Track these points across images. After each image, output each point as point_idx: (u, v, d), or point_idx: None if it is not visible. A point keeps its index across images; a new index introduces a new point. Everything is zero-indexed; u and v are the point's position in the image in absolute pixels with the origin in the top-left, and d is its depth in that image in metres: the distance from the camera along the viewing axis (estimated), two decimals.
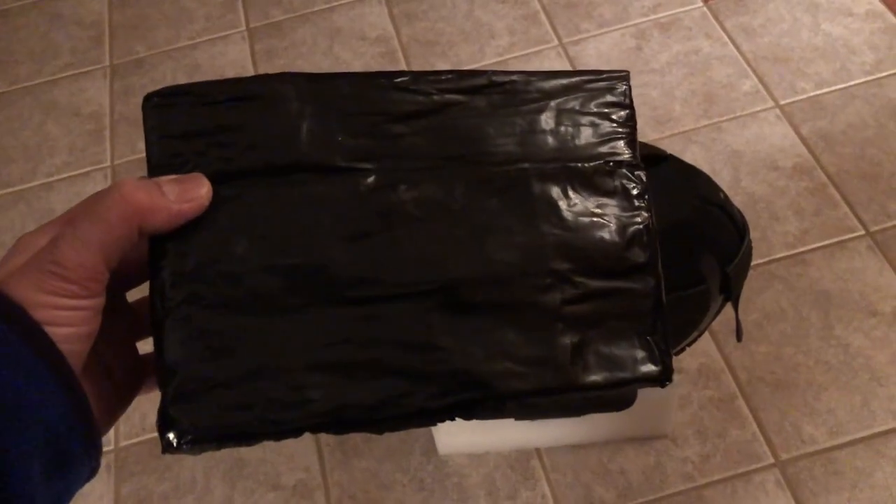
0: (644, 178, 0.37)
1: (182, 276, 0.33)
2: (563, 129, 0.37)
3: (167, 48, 1.47)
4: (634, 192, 0.36)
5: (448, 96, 0.36)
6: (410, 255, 0.34)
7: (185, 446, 0.32)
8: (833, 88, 1.25)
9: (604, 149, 0.37)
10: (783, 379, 1.00)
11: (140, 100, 0.36)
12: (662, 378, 0.34)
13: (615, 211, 0.36)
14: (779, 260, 1.09)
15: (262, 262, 0.34)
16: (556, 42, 1.38)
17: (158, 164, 0.35)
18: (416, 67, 1.37)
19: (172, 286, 0.33)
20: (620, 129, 0.37)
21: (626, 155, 0.37)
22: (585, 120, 0.37)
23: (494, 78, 0.38)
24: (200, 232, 0.33)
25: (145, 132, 0.35)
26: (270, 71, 1.41)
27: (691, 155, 1.20)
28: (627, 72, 0.39)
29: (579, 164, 0.36)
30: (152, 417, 1.02)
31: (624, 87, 0.39)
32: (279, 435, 0.32)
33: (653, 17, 1.38)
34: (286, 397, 0.32)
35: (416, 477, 0.98)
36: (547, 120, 0.37)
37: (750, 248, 0.74)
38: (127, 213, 0.30)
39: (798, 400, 0.98)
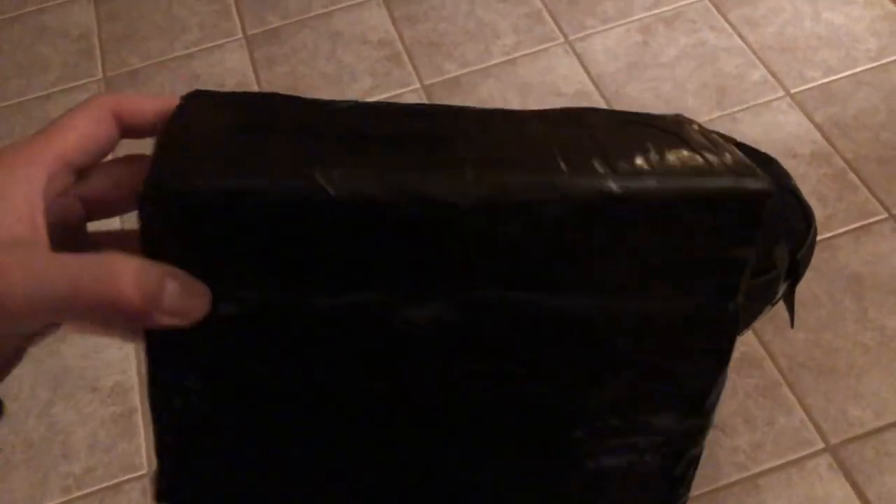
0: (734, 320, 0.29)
1: (177, 382, 0.29)
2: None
3: (162, 59, 1.43)
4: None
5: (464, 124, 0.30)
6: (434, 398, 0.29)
7: None
8: (841, 75, 1.27)
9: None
10: (824, 364, 1.00)
11: None
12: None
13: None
14: None
15: (258, 384, 0.29)
16: (562, 39, 1.37)
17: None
18: (422, 69, 1.36)
19: (168, 393, 0.29)
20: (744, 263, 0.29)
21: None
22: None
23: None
24: (197, 341, 0.28)
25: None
26: (271, 77, 1.38)
27: None
28: (771, 191, 0.28)
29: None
30: None
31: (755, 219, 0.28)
32: None
33: (656, 11, 1.38)
34: (280, 495, 0.30)
35: None
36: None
37: (816, 234, 0.74)
38: (108, 311, 0.24)
39: (841, 384, 0.99)
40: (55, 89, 1.40)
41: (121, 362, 1.10)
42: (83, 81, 1.41)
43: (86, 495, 1.00)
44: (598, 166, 0.26)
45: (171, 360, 0.28)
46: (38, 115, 1.37)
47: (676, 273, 0.28)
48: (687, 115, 1.26)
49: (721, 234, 0.27)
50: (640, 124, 0.30)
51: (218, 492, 0.30)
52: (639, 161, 0.27)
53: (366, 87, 1.35)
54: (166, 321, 0.26)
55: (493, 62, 1.36)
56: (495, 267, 0.26)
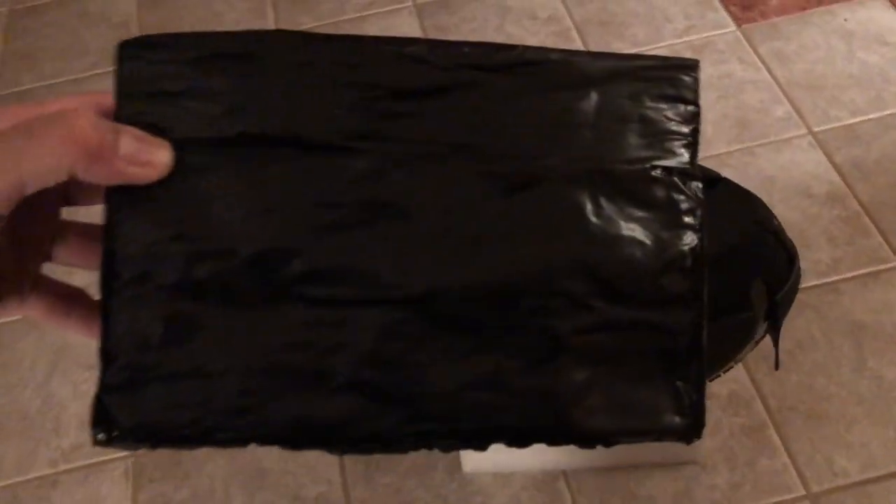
0: (699, 192, 0.30)
1: (134, 250, 0.29)
2: (604, 122, 0.30)
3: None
4: (683, 206, 0.30)
5: (466, 72, 0.30)
6: (393, 256, 0.29)
7: (116, 441, 0.29)
8: (868, 117, 1.24)
9: (653, 151, 0.30)
10: (815, 409, 0.98)
11: None
12: (690, 433, 0.29)
13: (655, 227, 0.30)
14: (811, 288, 1.07)
15: (223, 245, 0.29)
16: None
17: (124, 122, 0.30)
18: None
19: (123, 261, 0.30)
20: (677, 129, 0.31)
21: (679, 159, 0.30)
22: (635, 114, 0.31)
23: (527, 55, 0.31)
24: (160, 202, 0.29)
25: (115, 83, 0.31)
26: None
27: None
28: (697, 61, 0.33)
29: (618, 167, 0.30)
30: None
31: (690, 78, 0.32)
32: (222, 443, 0.29)
33: (686, 39, 1.37)
34: (234, 402, 0.29)
35: (439, 495, 0.96)
36: (585, 110, 0.30)
37: (798, 276, 0.72)
38: (65, 150, 0.26)
39: (830, 431, 0.96)
40: (89, 73, 1.44)
41: None
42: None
43: (70, 469, 1.03)
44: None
45: (137, 240, 0.29)
46: None
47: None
48: (704, 145, 1.25)
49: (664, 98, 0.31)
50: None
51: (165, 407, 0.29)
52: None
53: (365, 2, 1.37)
54: (132, 171, 0.28)
55: None
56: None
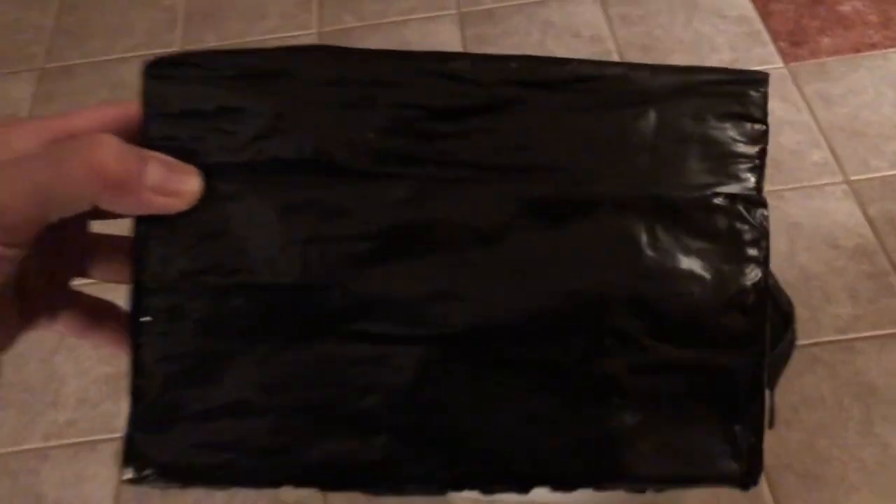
0: (765, 222, 0.28)
1: (164, 282, 0.28)
2: (662, 143, 0.28)
3: (240, 40, 1.47)
4: (747, 237, 0.28)
5: (513, 89, 0.28)
6: (434, 289, 0.28)
7: (146, 481, 0.28)
8: None
9: (715, 176, 0.28)
10: (813, 471, 0.95)
11: None
12: (747, 480, 0.28)
13: (716, 260, 0.27)
14: (825, 343, 1.04)
15: (257, 278, 0.28)
16: None
17: (152, 146, 0.29)
18: None
19: (152, 293, 0.28)
20: (743, 151, 0.28)
21: (743, 185, 0.28)
22: (697, 134, 0.28)
23: (581, 70, 0.28)
24: (190, 232, 0.28)
25: (142, 106, 0.29)
26: None
27: None
28: (767, 74, 0.30)
29: (676, 194, 0.28)
30: None
31: (759, 94, 0.30)
32: (255, 485, 0.28)
33: None
34: (266, 442, 0.28)
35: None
36: (643, 130, 0.28)
37: (793, 339, 0.70)
38: (89, 182, 0.25)
39: (826, 496, 0.93)
40: (133, 54, 1.46)
41: None
42: (159, 51, 1.46)
43: (63, 445, 1.04)
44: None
45: (161, 274, 0.28)
46: (113, 77, 1.44)
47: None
48: None
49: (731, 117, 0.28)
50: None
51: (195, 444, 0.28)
52: None
53: (410, 6, 1.37)
54: (159, 202, 0.27)
55: None
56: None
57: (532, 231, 0.28)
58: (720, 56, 1.36)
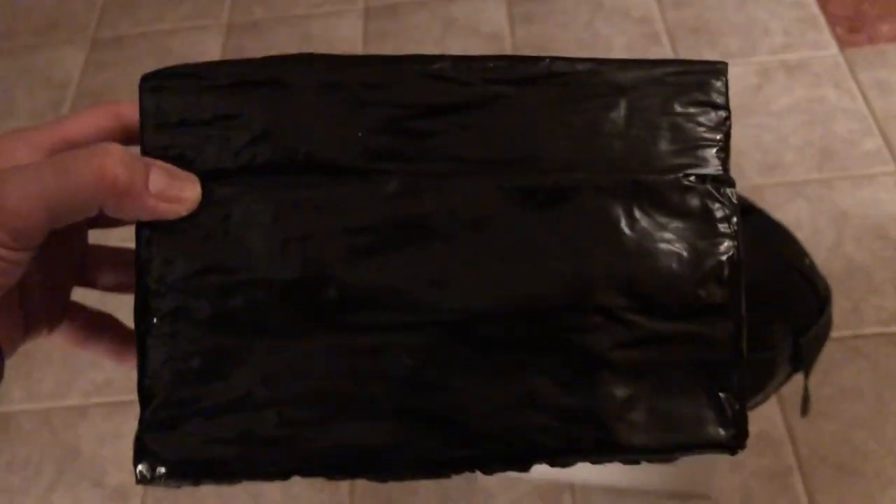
0: (734, 198, 0.29)
1: (168, 285, 0.29)
2: (634, 131, 0.30)
3: (284, 14, 1.48)
4: (719, 213, 0.29)
5: (494, 87, 0.30)
6: (428, 278, 0.29)
7: (159, 479, 0.29)
8: None
9: (685, 158, 0.30)
10: (848, 463, 0.92)
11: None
12: (733, 444, 0.29)
13: (691, 236, 0.29)
14: (868, 336, 1.01)
15: (257, 276, 0.29)
16: None
17: (151, 155, 0.30)
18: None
19: (157, 295, 0.29)
20: (709, 135, 0.30)
21: (712, 167, 0.30)
22: (665, 121, 0.30)
23: (554, 67, 0.30)
24: (191, 235, 0.29)
25: (140, 117, 0.30)
26: (380, 51, 1.41)
27: (795, 209, 1.12)
28: (725, 64, 0.31)
29: (650, 177, 0.29)
30: None
31: (720, 82, 0.31)
32: (266, 476, 0.29)
33: (781, 56, 1.30)
34: (275, 433, 0.29)
35: (441, 485, 0.95)
36: (615, 120, 0.30)
37: (829, 322, 0.68)
38: (96, 188, 0.26)
39: (861, 490, 0.91)
40: (182, 25, 1.48)
41: None
42: (208, 22, 1.48)
43: (100, 403, 1.07)
44: None
45: (168, 277, 0.29)
46: (160, 49, 1.46)
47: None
48: (780, 170, 1.19)
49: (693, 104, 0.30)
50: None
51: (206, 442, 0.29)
52: None
53: None
54: (162, 207, 0.28)
55: None
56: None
57: (517, 218, 0.29)
58: (772, 40, 1.33)
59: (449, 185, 0.30)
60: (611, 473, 0.91)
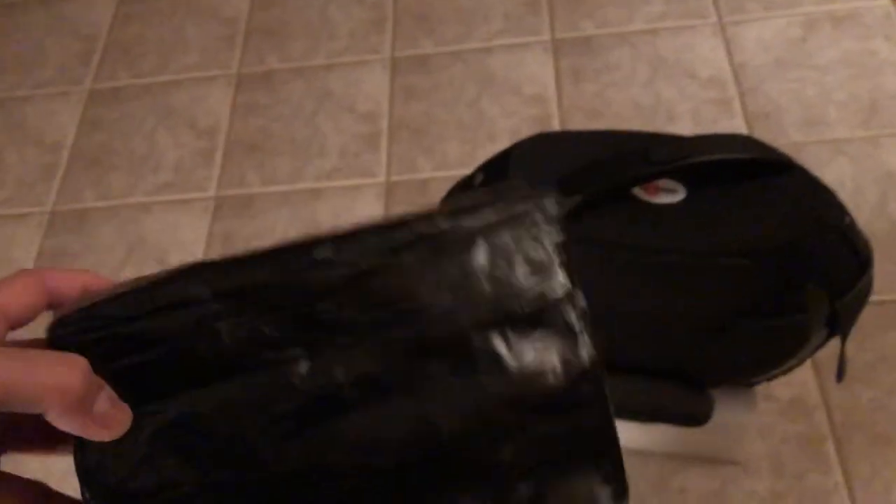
0: (583, 305, 0.35)
1: (104, 478, 0.32)
2: (496, 268, 0.34)
3: (302, 64, 1.44)
4: (572, 322, 0.34)
5: (374, 260, 0.34)
6: (355, 445, 0.33)
7: None
8: None
9: (541, 284, 0.34)
10: (884, 432, 0.89)
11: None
12: (620, 500, 0.34)
13: (558, 347, 0.34)
14: None
15: (194, 484, 0.32)
16: (714, 18, 1.26)
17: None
18: (558, 22, 1.30)
19: (96, 482, 0.32)
20: (555, 256, 0.35)
21: (562, 287, 0.34)
22: (519, 254, 0.34)
23: (421, 230, 0.34)
24: (124, 456, 0.32)
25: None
26: (407, 111, 1.36)
27: (837, 167, 1.08)
28: (548, 195, 0.35)
29: (517, 307, 0.34)
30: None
31: (542, 214, 0.35)
32: None
33: (828, 6, 1.24)
34: None
35: None
36: (479, 261, 0.34)
37: (869, 284, 0.64)
38: (54, 389, 0.27)
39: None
40: (189, 75, 1.39)
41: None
42: (216, 73, 1.39)
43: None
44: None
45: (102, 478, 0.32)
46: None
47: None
48: (822, 127, 1.14)
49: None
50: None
51: None
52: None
53: (494, 31, 1.32)
54: (94, 429, 0.29)
55: (633, 28, 1.27)
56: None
57: (419, 371, 0.33)
58: None
59: (353, 355, 0.33)
60: (637, 436, 0.89)
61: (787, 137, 1.12)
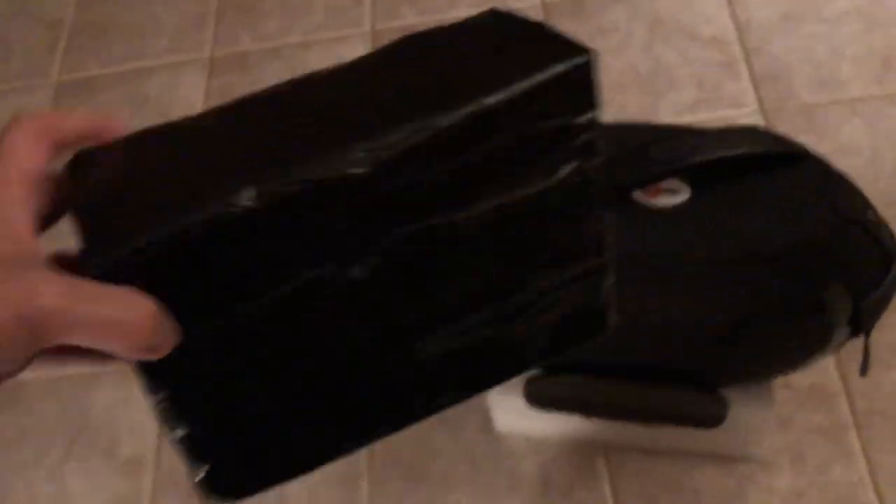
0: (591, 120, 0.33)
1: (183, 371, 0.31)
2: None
3: (276, 43, 1.36)
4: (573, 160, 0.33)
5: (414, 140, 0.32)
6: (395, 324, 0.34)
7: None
8: None
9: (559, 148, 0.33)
10: None
11: None
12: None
13: (569, 205, 0.34)
14: None
15: (262, 384, 0.33)
16: None
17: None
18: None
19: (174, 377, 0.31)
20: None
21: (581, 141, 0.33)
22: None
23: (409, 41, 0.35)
24: (186, 361, 0.31)
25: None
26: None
27: (851, 131, 1.01)
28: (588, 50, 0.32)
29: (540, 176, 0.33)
30: None
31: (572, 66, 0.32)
32: (310, 471, 0.35)
33: None
34: (315, 435, 0.34)
35: (467, 451, 0.89)
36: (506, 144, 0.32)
37: (895, 281, 0.58)
38: (126, 341, 0.27)
39: None
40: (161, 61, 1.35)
41: None
42: (190, 57, 1.37)
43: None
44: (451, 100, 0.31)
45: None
46: (138, 91, 1.36)
47: (542, 156, 0.32)
48: (835, 86, 1.07)
49: (561, 112, 0.32)
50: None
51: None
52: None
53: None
54: (146, 356, 0.28)
55: None
56: (406, 208, 0.31)
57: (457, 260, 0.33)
58: None
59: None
60: (649, 434, 0.84)
61: (797, 99, 1.05)
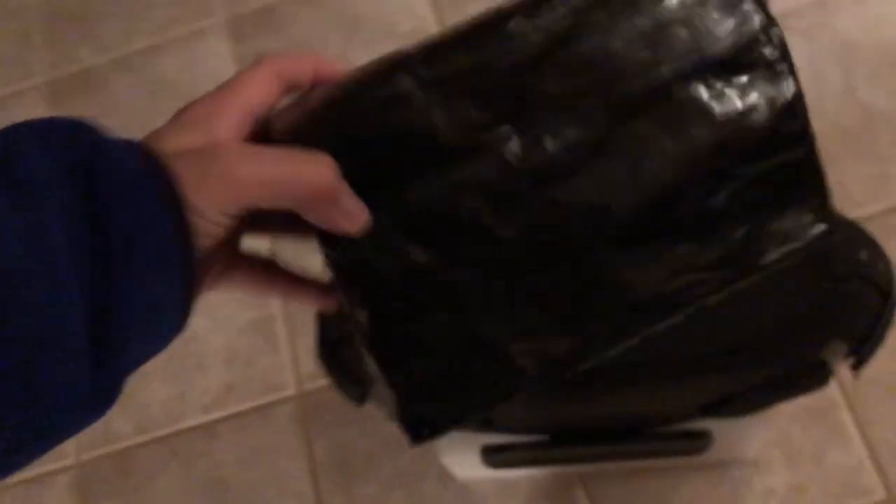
0: (780, 37, 0.33)
1: (380, 295, 0.34)
2: (689, 13, 0.33)
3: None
4: (773, 57, 0.33)
5: (565, 22, 0.33)
6: (575, 209, 0.33)
7: (430, 436, 0.35)
8: None
9: (736, 22, 0.33)
10: None
11: None
12: (831, 231, 0.34)
13: (761, 86, 0.33)
14: None
15: (441, 266, 0.33)
16: None
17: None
18: None
19: (390, 306, 0.34)
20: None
21: (759, 21, 0.33)
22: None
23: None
24: (366, 245, 0.33)
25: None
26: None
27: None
28: None
29: (714, 47, 0.33)
30: None
31: None
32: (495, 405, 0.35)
33: None
34: (500, 371, 0.34)
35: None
36: (671, 7, 0.33)
37: (891, 315, 0.49)
38: (312, 183, 0.30)
39: None
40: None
41: None
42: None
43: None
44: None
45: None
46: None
47: None
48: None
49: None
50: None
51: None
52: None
53: None
54: (340, 222, 0.32)
55: None
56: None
57: (627, 129, 0.33)
58: None
59: (560, 123, 0.33)
60: (622, 452, 0.75)
61: None
